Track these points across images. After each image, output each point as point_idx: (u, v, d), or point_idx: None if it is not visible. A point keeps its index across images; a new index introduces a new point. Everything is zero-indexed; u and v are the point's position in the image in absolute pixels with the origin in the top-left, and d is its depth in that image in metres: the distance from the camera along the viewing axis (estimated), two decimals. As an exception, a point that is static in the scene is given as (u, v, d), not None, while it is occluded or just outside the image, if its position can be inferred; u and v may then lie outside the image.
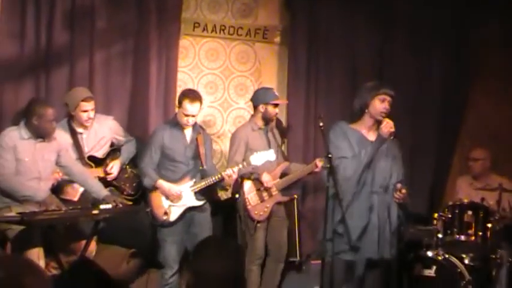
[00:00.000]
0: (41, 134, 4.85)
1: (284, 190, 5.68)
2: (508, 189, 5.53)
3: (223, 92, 6.27)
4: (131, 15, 5.80)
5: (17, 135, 4.81)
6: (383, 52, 6.49)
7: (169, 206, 5.31)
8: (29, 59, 5.51)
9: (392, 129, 4.57)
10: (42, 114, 4.79)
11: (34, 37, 5.51)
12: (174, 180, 5.34)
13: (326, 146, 4.53)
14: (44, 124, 4.82)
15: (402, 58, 6.47)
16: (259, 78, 6.33)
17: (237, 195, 5.70)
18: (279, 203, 5.65)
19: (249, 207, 5.51)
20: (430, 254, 5.30)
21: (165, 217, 5.26)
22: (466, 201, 5.51)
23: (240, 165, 5.35)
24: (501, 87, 6.56)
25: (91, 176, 5.16)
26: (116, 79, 5.80)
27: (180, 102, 5.33)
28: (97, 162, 5.41)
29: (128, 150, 5.57)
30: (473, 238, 5.37)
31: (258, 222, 5.51)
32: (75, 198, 5.24)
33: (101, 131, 5.44)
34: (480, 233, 5.35)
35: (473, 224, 5.37)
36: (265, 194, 5.57)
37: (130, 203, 5.40)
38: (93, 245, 4.74)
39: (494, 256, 5.35)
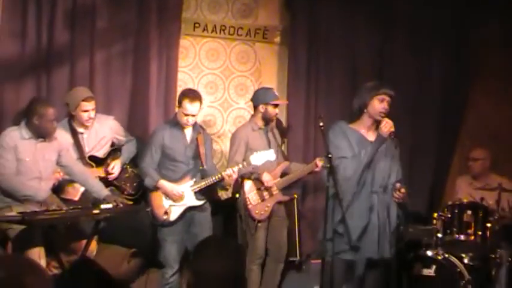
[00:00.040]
0: (42, 134, 4.85)
1: (284, 190, 5.69)
2: (507, 189, 5.53)
3: (224, 92, 6.29)
4: (132, 15, 5.81)
5: (17, 135, 4.82)
6: (383, 52, 6.50)
7: (170, 205, 5.32)
8: (30, 58, 5.52)
9: (392, 129, 4.57)
10: (43, 114, 4.80)
11: (35, 36, 5.52)
12: (175, 180, 5.35)
13: (326, 146, 4.53)
14: (45, 124, 4.82)
15: (402, 58, 6.48)
16: (259, 78, 6.34)
17: (237, 195, 5.71)
18: (279, 203, 5.66)
19: (249, 206, 5.51)
20: (429, 253, 5.30)
21: (165, 217, 5.27)
22: (465, 201, 5.53)
23: (240, 165, 5.35)
24: (501, 87, 6.56)
25: (92, 175, 5.17)
26: (116, 79, 5.80)
27: (180, 102, 5.33)
28: (98, 162, 5.41)
29: (129, 150, 5.57)
30: (472, 238, 5.38)
31: (259, 221, 5.51)
32: (76, 198, 5.25)
33: (102, 130, 5.44)
34: (480, 233, 5.36)
35: (473, 224, 5.38)
36: (265, 194, 5.58)
37: (131, 202, 5.40)
38: (93, 245, 4.74)
39: (493, 256, 5.36)
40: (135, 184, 5.56)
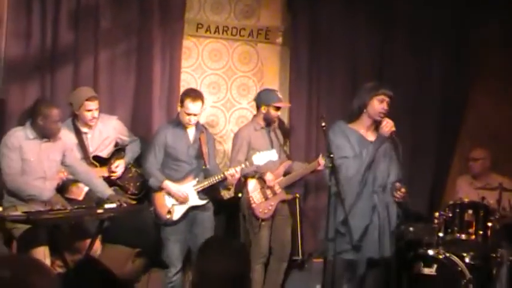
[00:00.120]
0: (46, 134, 4.88)
1: (286, 188, 5.70)
2: (508, 188, 5.54)
3: (226, 92, 6.30)
4: (135, 15, 5.82)
5: (22, 136, 4.84)
6: (383, 52, 6.51)
7: (173, 205, 5.34)
8: (35, 58, 5.55)
9: (393, 129, 4.58)
10: (47, 114, 4.82)
11: (39, 37, 5.55)
12: (177, 180, 5.37)
13: (328, 146, 4.54)
14: (49, 124, 4.84)
15: (402, 58, 6.49)
16: (261, 78, 6.35)
17: (239, 194, 5.72)
18: (283, 201, 5.67)
19: (253, 205, 5.52)
20: (431, 252, 5.31)
21: (168, 216, 5.28)
22: (466, 200, 5.53)
23: (243, 165, 5.36)
24: (501, 87, 6.55)
25: (96, 175, 5.18)
26: (119, 78, 5.82)
27: (182, 102, 5.35)
28: (102, 161, 5.43)
29: (133, 150, 5.59)
30: (473, 237, 5.40)
31: (263, 220, 5.52)
32: (80, 198, 5.27)
33: (106, 130, 5.45)
34: (481, 232, 5.38)
35: (474, 223, 5.40)
36: (269, 192, 5.58)
37: (135, 202, 5.43)
38: (98, 244, 4.77)
39: (494, 255, 5.36)
40: (138, 184, 5.57)
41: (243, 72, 6.33)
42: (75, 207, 4.86)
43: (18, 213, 4.59)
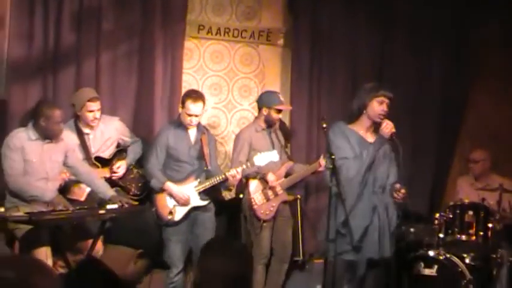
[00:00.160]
0: (49, 135, 4.89)
1: (288, 190, 5.71)
2: (508, 189, 5.56)
3: (228, 94, 6.32)
4: (136, 16, 5.83)
5: (25, 136, 4.86)
6: (384, 53, 6.53)
7: (174, 206, 5.35)
8: (37, 59, 5.56)
9: (394, 130, 4.59)
10: (49, 115, 4.83)
11: (42, 38, 5.56)
12: (179, 180, 5.38)
13: (328, 147, 4.54)
14: (52, 126, 4.86)
15: (403, 58, 6.50)
16: (263, 80, 6.37)
17: (241, 195, 5.74)
18: (284, 202, 5.69)
19: (255, 206, 5.53)
20: (431, 253, 5.33)
21: (169, 217, 5.30)
22: (466, 201, 5.55)
23: (244, 166, 5.37)
24: (501, 87, 6.56)
25: (98, 176, 5.19)
26: (121, 80, 5.83)
27: (183, 103, 5.36)
28: (103, 162, 5.44)
29: (134, 151, 5.60)
30: (474, 238, 5.42)
31: (264, 221, 5.54)
32: (82, 198, 5.28)
33: (107, 131, 5.47)
34: (481, 233, 5.40)
35: (474, 224, 5.42)
36: (270, 193, 5.60)
37: (136, 203, 5.44)
38: (99, 245, 4.78)
39: (494, 256, 5.38)
40: (140, 185, 5.59)
41: (245, 74, 6.35)
42: (77, 207, 4.88)
43: (21, 213, 4.61)
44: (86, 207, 4.95)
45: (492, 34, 6.54)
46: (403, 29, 6.53)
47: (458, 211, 5.47)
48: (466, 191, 6.02)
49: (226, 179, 5.40)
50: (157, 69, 5.86)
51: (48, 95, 5.59)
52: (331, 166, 4.45)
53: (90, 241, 4.87)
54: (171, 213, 5.31)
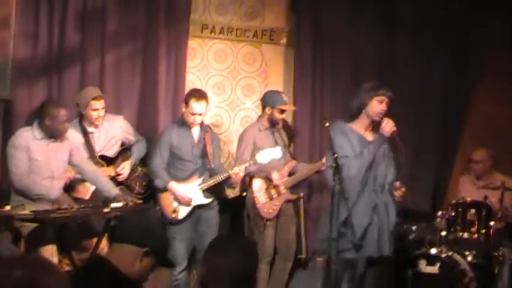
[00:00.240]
0: (54, 135, 4.91)
1: (291, 189, 5.73)
2: (510, 188, 5.57)
3: (231, 93, 6.34)
4: (141, 16, 5.86)
5: (30, 136, 4.88)
6: (387, 52, 6.52)
7: (178, 204, 5.39)
8: (42, 59, 5.60)
9: (394, 129, 4.59)
10: (54, 115, 4.85)
11: (47, 38, 5.59)
12: (183, 179, 5.40)
13: (331, 146, 4.54)
14: (57, 125, 4.88)
15: (405, 58, 6.50)
16: (266, 79, 6.38)
17: (244, 193, 5.76)
18: (287, 201, 5.70)
19: (258, 205, 5.55)
20: (433, 251, 5.33)
21: (173, 215, 5.32)
22: (469, 199, 5.57)
23: (247, 164, 5.40)
24: (503, 87, 6.55)
25: (102, 174, 5.21)
26: (125, 79, 5.86)
27: (186, 102, 5.38)
28: (108, 161, 5.46)
29: (139, 150, 5.62)
30: (476, 236, 5.44)
31: (268, 220, 5.56)
32: (87, 197, 5.30)
33: (112, 130, 5.49)
34: (483, 231, 5.42)
35: (476, 222, 5.44)
36: (273, 192, 5.62)
37: (141, 201, 5.47)
38: (104, 243, 4.83)
39: (496, 253, 5.40)
40: (144, 183, 5.61)
41: (248, 73, 6.37)
42: (82, 206, 4.89)
43: (26, 212, 4.63)
44: (90, 205, 4.96)
45: (494, 34, 6.52)
46: (405, 28, 6.53)
47: (460, 209, 5.49)
48: (468, 190, 6.02)
49: (229, 177, 5.42)
50: (161, 68, 5.88)
51: (53, 94, 5.62)
52: (333, 165, 4.45)
53: (95, 239, 4.88)
54: (175, 211, 5.33)
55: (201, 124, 5.49)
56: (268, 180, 5.61)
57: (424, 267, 5.31)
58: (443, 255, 5.30)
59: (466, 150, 6.49)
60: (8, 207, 4.71)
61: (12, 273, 1.77)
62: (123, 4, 5.83)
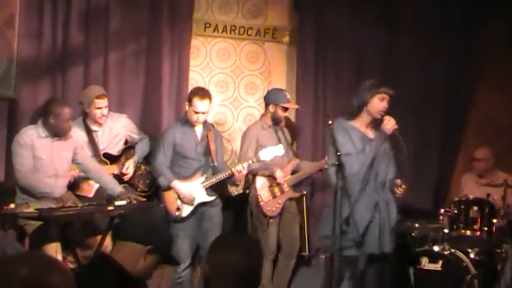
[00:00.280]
0: (58, 133, 4.93)
1: (294, 187, 5.74)
2: (513, 185, 5.61)
3: (234, 91, 6.35)
4: (144, 15, 5.88)
5: (34, 134, 4.90)
6: (389, 50, 6.52)
7: (182, 202, 5.43)
8: (46, 58, 5.63)
9: (396, 126, 4.58)
10: (59, 113, 4.88)
11: (51, 38, 5.62)
12: (186, 177, 5.41)
13: (334, 144, 4.55)
14: (61, 123, 4.90)
15: (407, 56, 6.50)
16: (268, 77, 6.39)
17: (247, 191, 5.78)
18: (290, 199, 5.72)
19: (261, 203, 5.57)
20: (436, 248, 5.35)
21: (177, 213, 5.34)
22: (471, 197, 5.56)
23: (250, 161, 5.41)
24: (504, 86, 6.54)
25: (106, 173, 5.23)
26: (129, 78, 5.88)
27: (190, 100, 5.38)
28: (112, 159, 5.48)
29: (142, 149, 5.64)
30: (478, 233, 5.44)
31: (271, 218, 5.57)
32: (91, 195, 5.33)
33: (115, 128, 5.52)
34: (485, 228, 5.42)
35: (479, 220, 5.44)
36: (276, 190, 5.64)
37: (144, 199, 5.47)
38: (108, 240, 4.84)
39: (499, 251, 5.41)
40: (148, 181, 5.63)
41: (251, 71, 6.38)
42: (86, 204, 4.93)
43: (31, 210, 4.66)
44: (94, 203, 5.00)
45: (494, 34, 6.52)
46: (408, 27, 6.53)
47: (463, 207, 5.49)
48: (470, 188, 6.02)
49: (232, 175, 5.42)
50: (165, 67, 5.90)
51: (57, 93, 5.65)
52: (336, 163, 4.46)
53: (99, 237, 4.89)
54: (178, 209, 5.35)
55: (204, 122, 5.50)
56: (271, 178, 5.63)
57: (427, 264, 5.31)
58: (446, 253, 5.31)
59: (469, 148, 6.50)
60: (12, 205, 4.73)
61: (17, 271, 1.77)
62: (127, 3, 5.85)
